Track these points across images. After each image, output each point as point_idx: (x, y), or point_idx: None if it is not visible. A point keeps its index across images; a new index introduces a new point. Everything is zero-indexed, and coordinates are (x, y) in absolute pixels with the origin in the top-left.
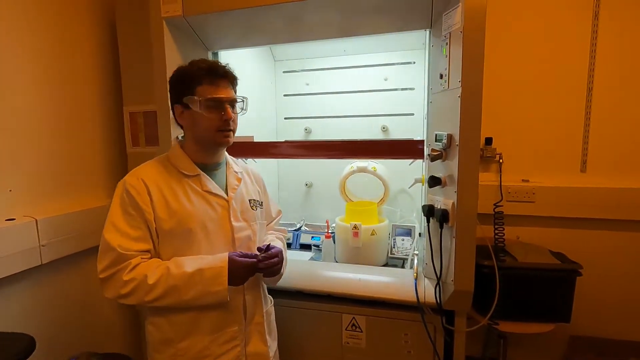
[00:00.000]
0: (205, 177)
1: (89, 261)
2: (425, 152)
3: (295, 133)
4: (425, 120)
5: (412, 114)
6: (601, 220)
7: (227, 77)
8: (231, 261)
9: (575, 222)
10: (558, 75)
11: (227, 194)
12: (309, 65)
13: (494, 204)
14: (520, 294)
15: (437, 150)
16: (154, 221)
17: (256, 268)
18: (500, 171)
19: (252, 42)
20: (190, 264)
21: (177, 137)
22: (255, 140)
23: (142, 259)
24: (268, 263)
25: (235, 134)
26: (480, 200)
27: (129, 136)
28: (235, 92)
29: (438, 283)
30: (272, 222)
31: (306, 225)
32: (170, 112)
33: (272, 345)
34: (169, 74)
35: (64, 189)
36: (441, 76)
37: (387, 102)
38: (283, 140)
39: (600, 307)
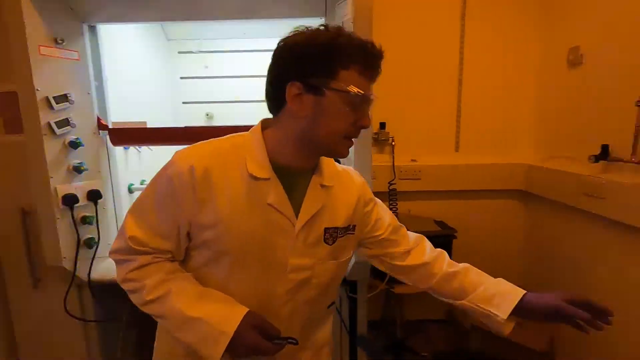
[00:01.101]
0: (275, 185)
1: None
2: None
3: (195, 119)
4: None
5: None
6: (472, 191)
7: (379, 69)
8: (239, 334)
9: (452, 194)
10: (435, 67)
11: (297, 216)
12: (207, 46)
13: (388, 183)
14: None
15: None
16: (189, 225)
17: (266, 354)
18: (393, 153)
19: (140, 17)
20: (195, 302)
21: (268, 121)
22: (149, 127)
23: (155, 257)
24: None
25: (124, 120)
26: (378, 179)
27: None
28: None
29: None
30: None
31: None
32: (268, 85)
33: None
34: (33, 48)
35: None
36: None
37: None
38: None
39: (473, 262)
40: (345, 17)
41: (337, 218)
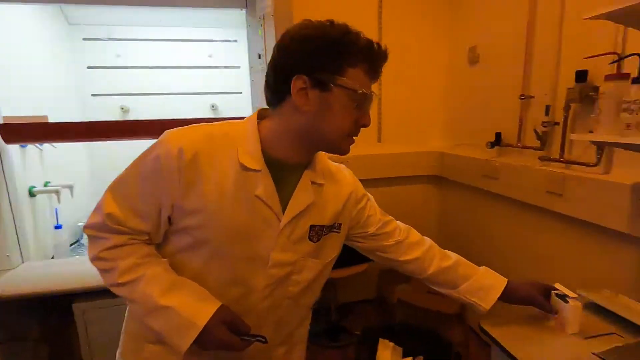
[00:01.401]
0: (265, 177)
1: None
2: None
3: (109, 112)
4: (251, 99)
5: (241, 93)
6: (393, 178)
7: (381, 69)
8: (208, 328)
9: (377, 182)
10: None
11: (284, 211)
12: (118, 33)
13: None
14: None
15: None
16: (171, 208)
17: (235, 350)
18: None
19: None
20: (168, 290)
21: (265, 111)
22: (50, 122)
23: (131, 239)
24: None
25: (20, 114)
26: None
27: None
28: None
29: None
30: (387, 234)
31: None
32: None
33: None
34: None
35: None
36: (259, 56)
37: (216, 81)
38: (96, 120)
39: None
40: (266, 9)
41: (325, 216)
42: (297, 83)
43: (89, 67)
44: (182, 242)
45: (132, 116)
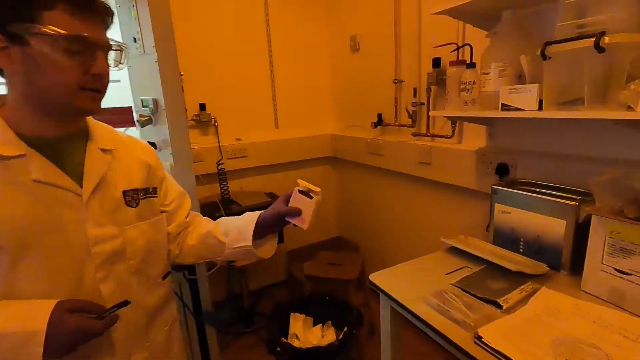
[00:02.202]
0: (37, 159)
1: None
2: (135, 118)
3: None
4: (130, 86)
5: (119, 81)
6: (293, 162)
7: (100, 9)
8: (55, 325)
9: (276, 167)
10: (248, 50)
11: (81, 185)
12: None
13: (217, 163)
14: None
15: (146, 116)
16: None
17: (97, 332)
18: (217, 133)
19: None
20: None
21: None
22: None
23: None
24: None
25: None
26: (205, 161)
27: None
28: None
29: None
30: (181, 216)
31: None
32: None
33: None
34: None
35: None
36: (135, 40)
37: None
38: None
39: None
40: None
41: (134, 180)
42: None
43: None
44: None
45: None
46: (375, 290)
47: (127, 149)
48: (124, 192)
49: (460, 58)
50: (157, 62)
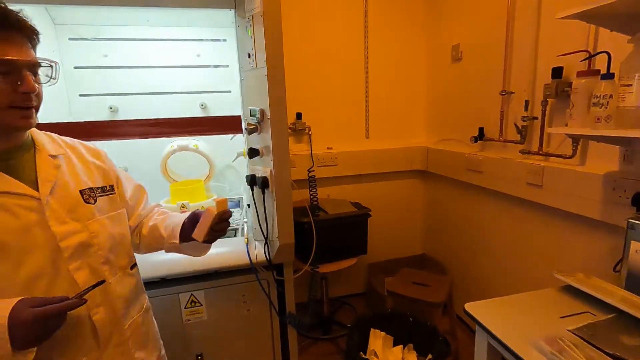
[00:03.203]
0: None
1: None
2: (243, 127)
3: (97, 112)
4: (241, 97)
5: (230, 91)
6: (381, 174)
7: (22, 29)
8: (13, 317)
9: (365, 177)
10: (345, 62)
11: (38, 190)
12: (105, 33)
13: (308, 170)
14: (333, 239)
15: (253, 124)
16: None
17: (55, 314)
18: (310, 141)
19: None
20: None
21: None
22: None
23: None
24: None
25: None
26: (297, 168)
27: None
28: (36, 52)
29: (266, 242)
30: (139, 208)
31: None
32: None
33: (150, 358)
34: None
35: None
36: (249, 55)
37: (205, 80)
38: (84, 121)
39: (385, 235)
40: (255, 10)
41: (89, 179)
42: None
43: (76, 68)
44: None
45: (121, 116)
46: (463, 319)
47: (76, 153)
48: (80, 192)
49: (592, 68)
50: (266, 76)
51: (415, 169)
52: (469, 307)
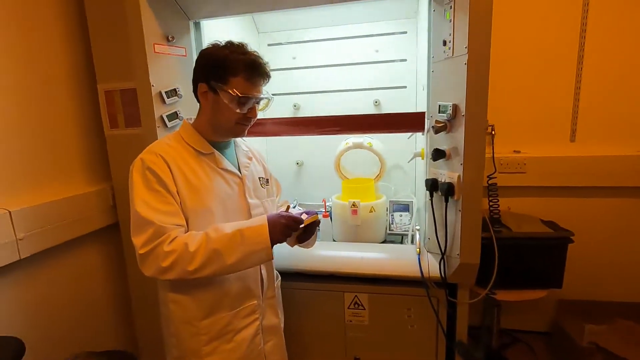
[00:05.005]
0: (219, 155)
1: (74, 254)
2: (427, 125)
3: (283, 110)
4: (425, 91)
5: (405, 87)
6: (590, 188)
7: (264, 77)
8: (270, 219)
9: (564, 191)
10: (549, 43)
11: (240, 172)
12: (295, 37)
13: (488, 176)
14: (516, 263)
15: (441, 122)
16: (179, 197)
17: (296, 225)
18: (493, 143)
19: (233, 10)
20: (229, 227)
21: (190, 118)
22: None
23: (177, 231)
24: (308, 219)
25: None
26: None
27: (106, 117)
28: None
29: (442, 257)
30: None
31: (299, 205)
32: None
33: (282, 319)
34: (149, 47)
35: (38, 178)
36: (445, 43)
37: (379, 75)
38: (274, 118)
39: (593, 270)
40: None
41: (260, 171)
42: (200, 88)
43: (271, 70)
44: (196, 222)
45: (302, 113)
46: None
47: (254, 152)
48: (259, 178)
49: None
50: (466, 64)
51: None
52: None
